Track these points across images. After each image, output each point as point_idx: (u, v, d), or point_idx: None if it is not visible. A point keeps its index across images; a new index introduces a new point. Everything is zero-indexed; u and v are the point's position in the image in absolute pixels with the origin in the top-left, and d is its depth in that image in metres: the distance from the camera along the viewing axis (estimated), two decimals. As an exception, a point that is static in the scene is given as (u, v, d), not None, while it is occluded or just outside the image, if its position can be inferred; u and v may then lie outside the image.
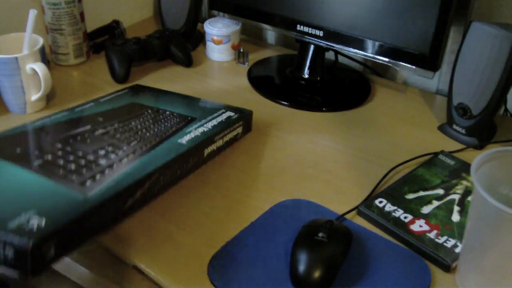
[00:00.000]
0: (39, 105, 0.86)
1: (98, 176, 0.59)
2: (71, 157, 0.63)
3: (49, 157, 0.63)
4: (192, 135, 0.70)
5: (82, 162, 0.62)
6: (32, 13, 0.82)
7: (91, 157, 0.63)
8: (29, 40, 0.82)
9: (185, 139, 0.69)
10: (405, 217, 0.64)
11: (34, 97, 0.84)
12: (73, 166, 0.61)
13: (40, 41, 0.84)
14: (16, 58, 0.80)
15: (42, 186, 0.57)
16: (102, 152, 0.65)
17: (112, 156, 0.64)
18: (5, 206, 0.54)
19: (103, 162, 0.62)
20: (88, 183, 0.58)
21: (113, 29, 1.06)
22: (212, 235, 0.62)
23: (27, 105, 0.84)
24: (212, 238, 0.62)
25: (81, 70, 0.98)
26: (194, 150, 0.68)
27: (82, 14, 0.96)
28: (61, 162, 0.62)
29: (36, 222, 0.51)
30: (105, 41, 1.03)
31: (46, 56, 0.85)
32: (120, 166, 0.62)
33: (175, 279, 0.57)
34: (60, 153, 0.64)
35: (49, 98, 0.89)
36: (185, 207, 0.67)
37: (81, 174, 0.60)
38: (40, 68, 0.81)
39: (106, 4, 1.09)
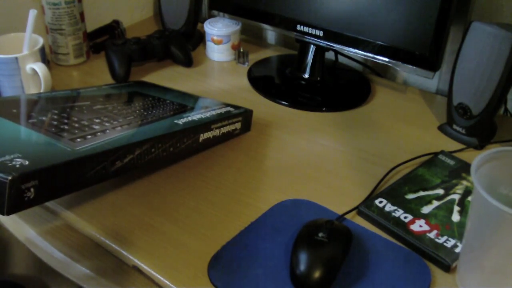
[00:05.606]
0: (39, 105, 0.86)
1: (89, 137, 0.60)
2: (66, 121, 0.64)
3: (44, 118, 0.64)
4: (190, 118, 0.70)
5: (76, 125, 0.63)
6: (32, 13, 0.82)
7: (85, 122, 0.64)
8: (29, 40, 0.82)
9: (181, 121, 0.69)
10: (405, 217, 0.64)
11: (34, 97, 0.84)
12: (66, 127, 0.62)
13: (40, 41, 0.84)
14: (16, 58, 0.80)
15: (31, 137, 0.58)
16: (97, 120, 0.65)
17: (107, 124, 0.64)
18: None
19: (96, 127, 0.63)
20: (79, 140, 0.59)
21: (113, 29, 1.06)
22: (212, 235, 0.62)
23: (27, 105, 0.84)
24: (212, 238, 0.62)
25: (81, 70, 0.98)
26: (189, 132, 0.68)
27: (82, 14, 0.96)
28: (55, 123, 0.63)
29: (20, 161, 0.51)
30: (105, 41, 1.03)
31: (46, 56, 0.85)
32: (113, 132, 0.62)
33: (175, 279, 0.57)
34: (55, 116, 0.65)
35: (49, 98, 0.89)
36: (185, 207, 0.67)
37: (73, 133, 0.60)
38: (40, 68, 0.81)
39: (106, 4, 1.09)
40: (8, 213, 0.50)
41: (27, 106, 0.68)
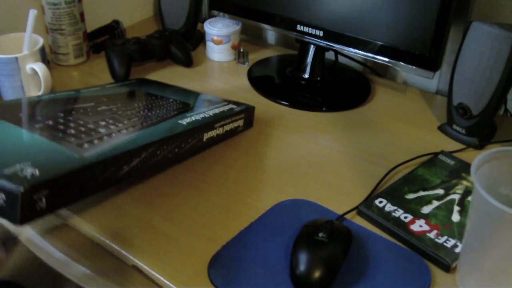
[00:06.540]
0: (39, 105, 0.86)
1: (96, 141, 0.60)
2: (72, 125, 0.64)
3: (50, 122, 0.64)
4: (193, 118, 0.71)
5: (82, 129, 0.64)
6: (32, 13, 0.82)
7: (91, 126, 0.65)
8: (29, 40, 0.82)
9: (185, 121, 0.69)
10: (405, 217, 0.64)
11: (34, 97, 0.84)
12: (72, 131, 0.62)
13: (40, 41, 0.84)
14: (16, 58, 0.80)
15: (40, 144, 0.59)
16: (102, 123, 0.66)
17: (112, 127, 0.65)
18: (1, 156, 0.55)
19: (102, 130, 0.64)
20: (86, 145, 0.59)
21: (113, 29, 1.06)
22: (212, 235, 0.62)
23: (27, 105, 0.84)
24: (212, 238, 0.62)
25: (81, 70, 0.98)
26: (193, 132, 0.68)
27: (82, 14, 0.96)
28: (61, 127, 0.63)
29: (30, 171, 0.52)
30: (105, 41, 1.03)
31: (46, 56, 0.85)
32: (119, 136, 0.63)
33: (175, 279, 0.57)
34: (61, 120, 0.66)
35: (49, 98, 0.89)
36: (185, 207, 0.67)
37: (80, 138, 0.61)
38: (40, 68, 0.81)
39: (106, 4, 1.09)
40: (22, 223, 0.50)
41: (33, 110, 0.68)
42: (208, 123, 0.71)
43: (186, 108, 0.75)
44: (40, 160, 0.54)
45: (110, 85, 0.83)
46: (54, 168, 0.53)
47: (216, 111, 0.75)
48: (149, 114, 0.70)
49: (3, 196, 0.50)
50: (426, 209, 0.65)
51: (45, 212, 0.52)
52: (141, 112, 0.71)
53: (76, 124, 0.65)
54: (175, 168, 0.73)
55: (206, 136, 0.71)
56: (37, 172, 0.52)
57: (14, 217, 0.50)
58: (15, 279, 0.87)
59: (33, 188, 0.50)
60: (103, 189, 0.58)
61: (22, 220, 0.50)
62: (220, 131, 0.73)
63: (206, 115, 0.72)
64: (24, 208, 0.50)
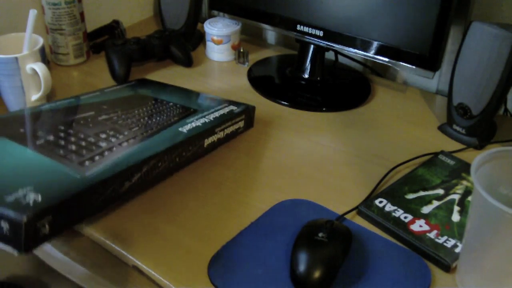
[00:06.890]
0: (39, 105, 0.86)
1: (97, 158, 0.60)
2: (73, 139, 0.64)
3: (51, 137, 0.64)
4: (193, 125, 0.70)
5: (83, 143, 0.63)
6: (32, 13, 0.82)
7: (92, 139, 0.64)
8: (29, 40, 0.82)
9: (185, 128, 0.69)
10: (405, 217, 0.64)
11: (34, 97, 0.84)
12: (73, 147, 0.62)
13: (40, 41, 0.84)
14: (16, 58, 0.80)
15: (41, 164, 0.58)
16: (103, 136, 0.66)
17: (113, 139, 0.65)
18: (3, 181, 0.54)
19: (103, 144, 0.63)
20: (87, 163, 0.59)
21: (113, 29, 1.06)
22: (212, 235, 0.62)
23: (27, 105, 0.84)
24: (212, 238, 0.62)
25: (81, 70, 0.98)
26: (194, 140, 0.68)
27: (82, 14, 0.96)
28: (62, 142, 0.63)
29: (32, 197, 0.52)
30: (105, 41, 1.03)
31: (46, 56, 0.85)
32: (119, 149, 0.62)
33: (175, 279, 0.57)
34: (62, 134, 0.65)
35: (49, 98, 0.89)
36: (185, 207, 0.67)
37: (81, 155, 0.61)
38: (40, 68, 0.81)
39: (106, 4, 1.09)
40: (26, 251, 0.50)
41: (33, 124, 0.68)
42: (209, 129, 0.70)
43: (186, 113, 0.74)
44: (42, 183, 0.54)
45: (110, 89, 0.83)
46: (56, 192, 0.53)
47: (217, 114, 0.74)
48: (150, 122, 0.70)
49: (7, 224, 0.50)
50: (426, 209, 0.65)
51: (49, 237, 0.52)
52: (142, 120, 0.71)
53: (77, 138, 0.64)
54: (175, 168, 0.73)
55: (207, 142, 0.71)
56: (39, 198, 0.51)
57: (18, 245, 0.50)
58: (15, 279, 0.87)
59: (36, 216, 0.50)
60: (105, 207, 0.58)
61: (26, 247, 0.50)
62: (220, 135, 0.73)
63: (207, 120, 0.72)
64: (28, 236, 0.49)
